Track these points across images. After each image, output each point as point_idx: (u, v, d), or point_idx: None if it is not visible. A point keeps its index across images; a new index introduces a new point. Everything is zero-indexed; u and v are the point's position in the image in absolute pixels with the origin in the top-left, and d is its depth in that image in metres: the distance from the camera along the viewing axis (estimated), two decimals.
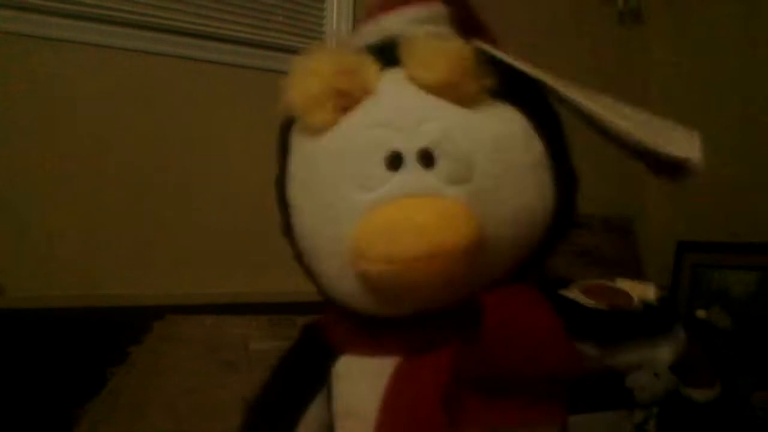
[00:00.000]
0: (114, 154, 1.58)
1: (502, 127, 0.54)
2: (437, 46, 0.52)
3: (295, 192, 0.58)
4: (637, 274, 2.09)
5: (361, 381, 0.57)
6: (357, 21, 1.92)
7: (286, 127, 0.60)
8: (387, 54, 0.55)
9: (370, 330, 0.57)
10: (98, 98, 1.56)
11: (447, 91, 0.52)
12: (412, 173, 0.50)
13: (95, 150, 1.55)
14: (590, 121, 0.55)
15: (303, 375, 0.62)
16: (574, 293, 0.63)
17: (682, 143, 0.52)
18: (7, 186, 1.45)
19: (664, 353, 0.63)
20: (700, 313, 1.65)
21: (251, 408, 0.65)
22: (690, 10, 2.25)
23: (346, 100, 0.53)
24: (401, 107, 0.53)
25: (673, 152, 0.51)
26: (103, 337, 1.32)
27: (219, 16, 1.73)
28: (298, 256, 0.62)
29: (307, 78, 0.54)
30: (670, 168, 0.52)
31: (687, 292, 1.79)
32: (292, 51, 1.79)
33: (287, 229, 0.61)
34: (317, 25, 1.91)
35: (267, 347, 1.33)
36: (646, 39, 2.38)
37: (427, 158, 0.50)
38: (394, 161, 0.50)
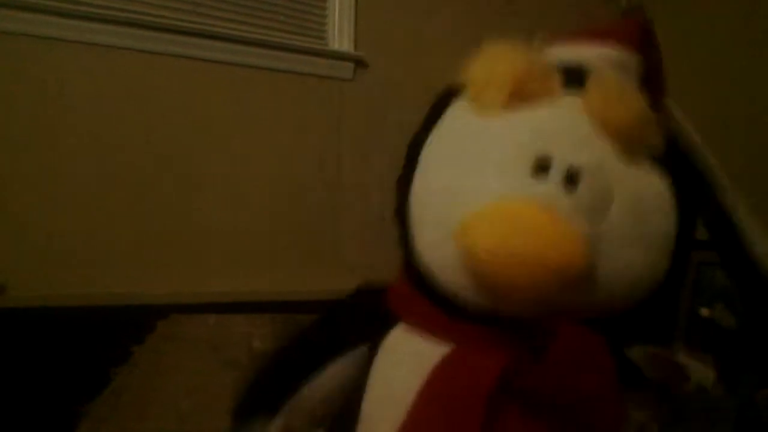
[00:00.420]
0: (117, 153, 1.58)
1: (650, 189, 0.54)
2: (624, 93, 0.53)
3: (432, 154, 0.58)
4: None
5: (406, 360, 0.57)
6: (359, 20, 1.92)
7: (446, 96, 0.61)
8: (574, 77, 0.56)
9: (437, 308, 0.57)
10: (100, 97, 1.56)
11: (617, 135, 0.52)
12: (553, 186, 0.50)
13: (98, 149, 1.56)
14: (720, 225, 0.55)
15: (347, 328, 0.63)
16: (636, 356, 0.63)
17: None
18: (9, 185, 1.45)
19: None
20: (704, 311, 1.64)
21: (285, 345, 0.66)
22: (693, 8, 2.25)
23: (523, 96, 0.54)
24: (569, 125, 0.53)
25: None
26: (106, 337, 1.32)
27: (220, 15, 1.73)
28: (399, 213, 0.61)
29: (499, 61, 0.55)
30: None
31: (691, 289, 1.78)
32: (294, 50, 1.81)
33: (404, 183, 0.61)
34: (320, 24, 1.91)
35: (270, 346, 1.32)
36: None
37: (572, 180, 0.50)
38: (542, 167, 0.50)
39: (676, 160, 0.56)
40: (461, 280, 0.53)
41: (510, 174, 0.51)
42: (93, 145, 1.55)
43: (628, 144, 0.53)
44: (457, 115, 0.58)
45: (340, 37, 1.91)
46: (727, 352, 1.46)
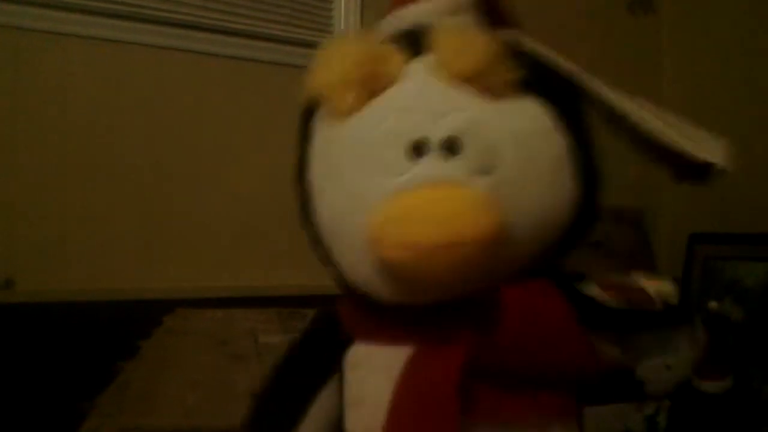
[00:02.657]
0: (122, 148, 1.58)
1: (528, 120, 0.53)
2: (466, 36, 0.52)
3: (318, 177, 0.58)
4: (649, 266, 2.08)
5: (373, 369, 0.57)
6: (365, 12, 1.91)
7: (308, 114, 0.61)
8: (414, 42, 0.55)
9: (385, 318, 0.57)
10: (105, 93, 1.56)
11: (474, 81, 0.51)
12: (435, 161, 0.50)
13: (103, 144, 1.56)
14: (614, 119, 0.55)
15: (314, 363, 0.62)
16: (592, 289, 0.62)
17: (709, 147, 0.53)
18: (15, 181, 1.46)
19: (685, 352, 0.62)
20: (712, 305, 1.64)
21: (260, 395, 0.65)
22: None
23: (371, 86, 0.53)
24: (427, 95, 0.52)
25: (701, 155, 0.51)
26: (112, 331, 1.32)
27: (226, 9, 1.72)
28: (315, 243, 0.61)
29: (332, 63, 0.54)
30: (693, 171, 0.53)
31: (699, 284, 1.78)
32: (300, 44, 1.80)
33: (305, 214, 0.61)
34: (325, 18, 1.90)
35: (276, 341, 1.33)
36: (657, 29, 2.35)
37: (451, 147, 0.50)
38: (418, 148, 0.50)
39: (545, 82, 0.55)
40: (391, 287, 0.53)
41: (393, 167, 0.51)
42: (98, 141, 1.55)
43: (490, 86, 0.52)
44: (323, 126, 0.58)
45: (346, 30, 1.90)
46: (735, 346, 1.45)
